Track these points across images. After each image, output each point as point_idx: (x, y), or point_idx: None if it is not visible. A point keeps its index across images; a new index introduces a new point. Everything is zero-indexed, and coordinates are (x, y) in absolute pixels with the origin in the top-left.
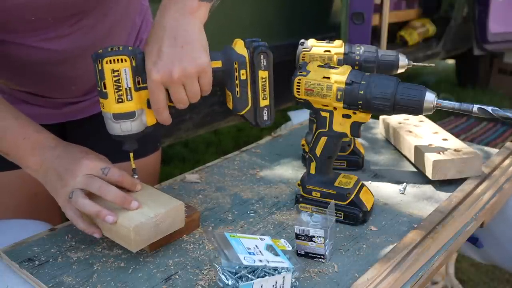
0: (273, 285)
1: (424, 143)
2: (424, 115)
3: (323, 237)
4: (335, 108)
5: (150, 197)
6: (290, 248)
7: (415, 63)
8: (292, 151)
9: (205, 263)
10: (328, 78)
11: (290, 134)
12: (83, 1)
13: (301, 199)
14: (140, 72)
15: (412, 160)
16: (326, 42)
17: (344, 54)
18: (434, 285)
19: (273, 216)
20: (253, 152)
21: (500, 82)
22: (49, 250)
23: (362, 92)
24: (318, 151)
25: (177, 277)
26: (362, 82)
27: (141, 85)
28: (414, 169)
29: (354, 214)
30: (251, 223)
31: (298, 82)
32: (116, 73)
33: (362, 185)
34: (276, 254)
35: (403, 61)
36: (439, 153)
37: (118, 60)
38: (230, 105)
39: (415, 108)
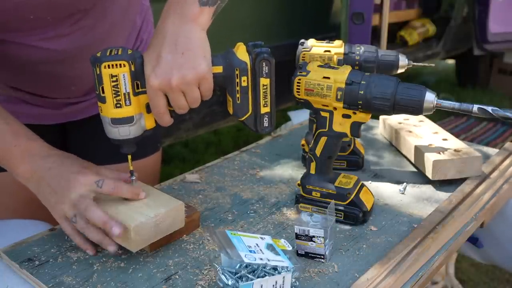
0: (273, 285)
1: (424, 143)
2: (424, 115)
3: (323, 237)
4: (335, 108)
5: (150, 197)
6: (290, 248)
7: (415, 63)
8: (292, 151)
9: (205, 263)
10: (328, 78)
11: (290, 134)
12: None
13: (301, 199)
14: (139, 77)
15: (412, 160)
16: (326, 42)
17: (344, 54)
18: (434, 285)
19: (273, 216)
20: (253, 152)
21: (500, 82)
22: (49, 250)
23: (362, 92)
24: (318, 151)
25: (177, 277)
26: (362, 82)
27: (140, 90)
28: (414, 169)
29: (354, 214)
30: (251, 223)
31: (298, 82)
32: (114, 78)
33: (362, 185)
34: (277, 254)
35: (403, 61)
36: (439, 153)
37: (116, 65)
38: (230, 110)
39: (415, 108)
